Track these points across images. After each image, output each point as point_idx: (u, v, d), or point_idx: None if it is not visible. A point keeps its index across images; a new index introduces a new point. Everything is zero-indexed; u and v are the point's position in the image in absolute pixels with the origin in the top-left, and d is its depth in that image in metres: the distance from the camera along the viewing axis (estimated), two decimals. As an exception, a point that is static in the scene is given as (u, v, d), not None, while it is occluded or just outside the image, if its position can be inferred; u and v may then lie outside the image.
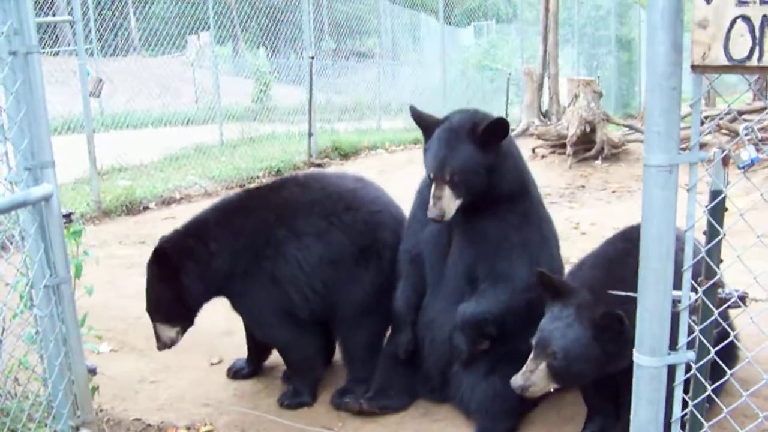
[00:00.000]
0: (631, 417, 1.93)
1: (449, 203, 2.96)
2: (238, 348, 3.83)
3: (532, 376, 2.62)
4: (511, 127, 3.11)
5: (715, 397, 1.97)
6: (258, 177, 9.22)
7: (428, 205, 2.98)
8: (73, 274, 2.74)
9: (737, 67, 1.70)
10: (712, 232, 1.90)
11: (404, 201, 3.55)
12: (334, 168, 10.00)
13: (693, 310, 1.91)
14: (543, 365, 2.60)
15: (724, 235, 1.91)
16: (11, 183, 2.45)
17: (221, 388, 3.61)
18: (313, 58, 10.99)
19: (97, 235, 6.57)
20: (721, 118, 8.42)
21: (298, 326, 3.36)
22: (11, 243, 2.68)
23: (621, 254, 2.78)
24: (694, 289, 1.90)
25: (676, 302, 1.87)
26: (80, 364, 2.65)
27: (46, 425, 2.63)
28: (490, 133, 2.96)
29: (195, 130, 11.22)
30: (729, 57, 1.69)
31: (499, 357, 3.08)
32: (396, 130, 13.79)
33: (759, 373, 2.05)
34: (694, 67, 1.74)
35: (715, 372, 1.97)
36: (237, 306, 3.42)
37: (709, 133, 8.16)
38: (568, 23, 19.11)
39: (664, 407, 1.89)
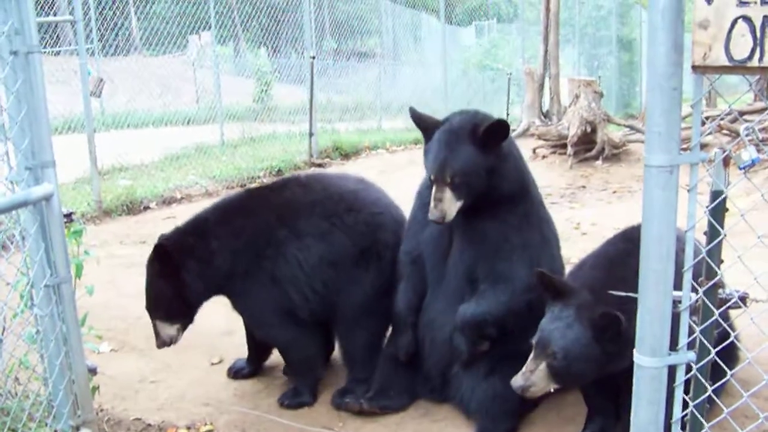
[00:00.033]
0: (632, 417, 1.93)
1: (450, 205, 2.95)
2: (238, 348, 3.83)
3: (532, 376, 2.62)
4: (511, 127, 3.10)
5: (715, 398, 1.97)
6: (259, 177, 9.22)
7: (429, 206, 2.97)
8: (73, 273, 2.74)
9: (738, 67, 1.70)
10: (712, 233, 1.90)
11: (405, 202, 3.55)
12: (335, 168, 10.00)
13: (693, 310, 1.91)
14: (543, 365, 2.60)
15: (725, 235, 1.90)
16: (12, 182, 2.46)
17: (221, 387, 3.61)
18: (314, 57, 10.99)
19: (98, 235, 6.57)
20: (722, 119, 8.42)
21: (299, 326, 3.37)
22: (12, 242, 2.68)
23: (622, 254, 2.78)
24: (694, 290, 1.90)
25: (676, 303, 1.87)
26: (81, 364, 2.65)
27: (46, 425, 2.63)
28: (491, 135, 2.95)
29: (196, 130, 11.22)
30: (730, 57, 1.69)
31: (499, 358, 3.08)
32: (397, 130, 13.78)
33: (759, 373, 2.05)
34: (694, 68, 1.74)
35: (715, 372, 1.98)
36: (237, 305, 3.43)
37: (710, 133, 8.17)
38: (569, 23, 19.12)
39: (664, 408, 1.89)
